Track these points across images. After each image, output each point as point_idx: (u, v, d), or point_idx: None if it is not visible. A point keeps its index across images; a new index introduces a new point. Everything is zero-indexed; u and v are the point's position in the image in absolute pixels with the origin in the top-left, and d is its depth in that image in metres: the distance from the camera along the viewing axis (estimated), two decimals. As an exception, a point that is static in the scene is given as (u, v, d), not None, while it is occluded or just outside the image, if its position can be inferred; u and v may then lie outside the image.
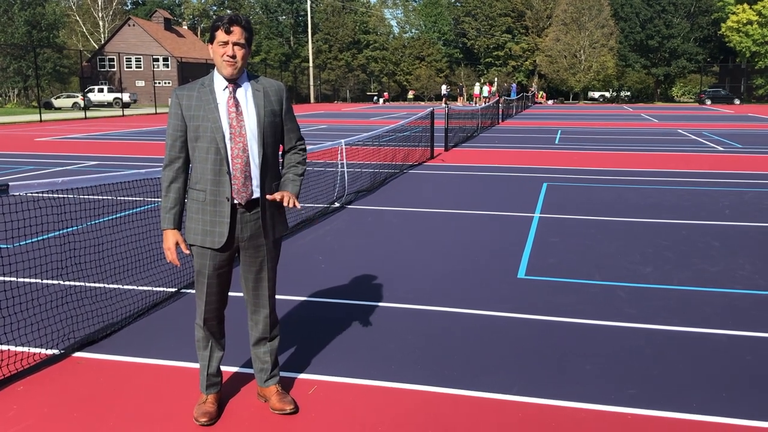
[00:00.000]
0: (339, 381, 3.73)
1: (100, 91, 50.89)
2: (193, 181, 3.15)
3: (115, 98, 49.74)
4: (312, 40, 69.11)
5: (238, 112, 3.09)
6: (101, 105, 49.88)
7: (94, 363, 3.97)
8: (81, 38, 71.61)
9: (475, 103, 47.50)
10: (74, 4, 71.46)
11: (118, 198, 9.36)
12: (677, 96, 69.79)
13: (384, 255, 6.49)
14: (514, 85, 57.79)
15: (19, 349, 4.11)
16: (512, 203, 9.25)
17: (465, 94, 59.34)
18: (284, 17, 78.82)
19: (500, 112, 29.40)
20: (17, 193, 3.73)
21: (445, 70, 73.18)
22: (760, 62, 56.77)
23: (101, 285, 5.44)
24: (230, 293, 3.43)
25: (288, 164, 3.32)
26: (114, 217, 8.20)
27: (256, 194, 3.15)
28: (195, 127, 3.09)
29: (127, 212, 8.51)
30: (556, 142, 19.20)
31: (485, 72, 70.92)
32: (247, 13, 76.32)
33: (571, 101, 65.44)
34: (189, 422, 3.27)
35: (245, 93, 3.14)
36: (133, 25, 62.06)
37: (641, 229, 7.61)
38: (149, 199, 9.25)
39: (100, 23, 71.21)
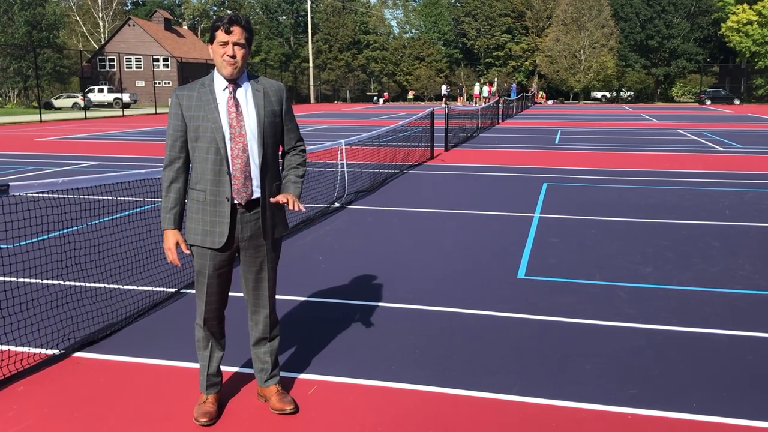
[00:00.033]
0: (339, 381, 3.73)
1: (100, 91, 50.91)
2: (193, 182, 3.16)
3: (115, 98, 49.76)
4: (312, 40, 69.12)
5: (238, 112, 3.10)
6: (101, 105, 49.89)
7: (94, 363, 3.97)
8: (81, 38, 71.62)
9: (475, 104, 47.50)
10: (74, 5, 71.48)
11: (119, 198, 9.36)
12: (677, 96, 69.79)
13: (384, 255, 6.49)
14: (514, 85, 57.80)
15: (20, 349, 4.11)
16: (512, 203, 9.25)
17: (465, 94, 59.35)
18: (284, 17, 78.83)
19: (500, 113, 29.40)
20: (17, 193, 3.73)
21: (445, 71, 73.18)
22: (760, 62, 56.78)
23: (101, 285, 5.44)
24: (230, 293, 3.43)
25: (288, 166, 3.32)
26: (114, 217, 8.20)
27: (256, 194, 3.15)
28: (195, 128, 3.09)
29: (127, 212, 8.51)
30: (556, 142, 19.20)
31: (485, 72, 70.91)
32: (247, 13, 76.33)
33: (571, 101, 65.44)
34: (189, 422, 3.27)
35: (245, 93, 3.14)
36: (133, 25, 62.07)
37: (641, 229, 7.61)
38: (149, 199, 9.25)
39: (100, 23, 71.23)
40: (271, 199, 3.17)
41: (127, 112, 41.87)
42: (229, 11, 76.57)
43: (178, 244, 3.18)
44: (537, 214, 8.46)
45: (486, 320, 4.67)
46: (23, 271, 5.67)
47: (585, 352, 4.11)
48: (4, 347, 4.13)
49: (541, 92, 64.56)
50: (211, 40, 3.08)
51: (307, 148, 6.74)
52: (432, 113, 15.48)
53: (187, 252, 3.19)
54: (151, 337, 4.36)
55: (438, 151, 15.76)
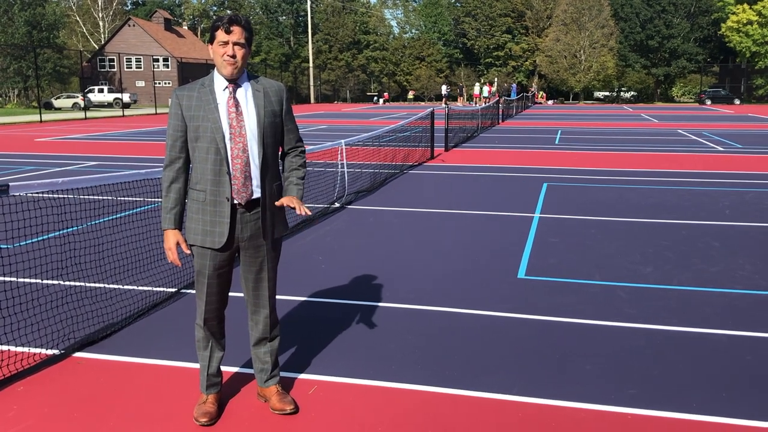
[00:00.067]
0: (339, 381, 3.73)
1: (101, 91, 50.91)
2: (194, 182, 3.16)
3: (115, 98, 49.76)
4: (312, 40, 69.12)
5: (238, 112, 3.10)
6: (101, 105, 49.89)
7: (94, 363, 3.98)
8: (81, 38, 71.63)
9: (475, 104, 47.50)
10: (74, 5, 71.48)
11: (119, 198, 9.36)
12: (677, 96, 69.80)
13: (384, 255, 6.49)
14: (514, 85, 57.80)
15: (20, 349, 4.11)
16: (512, 203, 9.25)
17: (465, 94, 59.35)
18: (284, 17, 78.84)
19: (500, 113, 29.40)
20: (17, 194, 3.73)
21: (445, 71, 73.18)
22: (760, 62, 56.78)
23: (101, 285, 5.44)
24: (230, 293, 3.43)
25: (289, 167, 3.32)
26: (114, 217, 8.20)
27: (256, 194, 3.15)
28: (195, 128, 3.09)
29: (127, 212, 8.51)
30: (556, 142, 19.20)
31: (485, 72, 70.91)
32: (247, 13, 76.34)
33: (571, 101, 65.45)
34: (189, 422, 3.27)
35: (245, 93, 3.14)
36: (133, 25, 62.07)
37: (641, 229, 7.61)
38: (149, 199, 9.26)
39: (100, 23, 71.23)
40: (277, 203, 3.18)
41: (127, 112, 41.88)
42: (229, 11, 76.58)
43: (178, 244, 3.18)
44: (537, 214, 8.46)
45: (486, 320, 4.68)
46: (23, 271, 5.68)
47: (585, 352, 4.11)
48: (4, 347, 4.13)
49: (541, 92, 64.57)
50: (211, 40, 3.09)
51: (307, 148, 6.74)
52: (432, 113, 15.48)
53: (188, 252, 3.20)
54: (151, 337, 4.36)
55: (438, 151, 15.76)
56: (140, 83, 60.59)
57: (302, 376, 3.80)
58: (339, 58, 73.58)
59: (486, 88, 51.69)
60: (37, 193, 6.86)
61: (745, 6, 56.49)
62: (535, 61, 68.14)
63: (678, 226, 7.81)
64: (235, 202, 3.12)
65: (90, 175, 9.45)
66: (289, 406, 3.35)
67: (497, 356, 4.06)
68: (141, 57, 59.76)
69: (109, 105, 49.94)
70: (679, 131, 23.40)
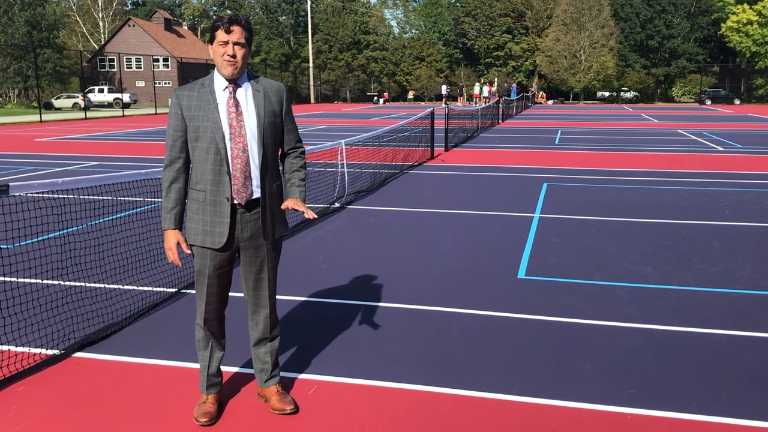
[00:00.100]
0: (339, 381, 3.74)
1: (101, 91, 50.91)
2: (194, 182, 3.16)
3: (116, 99, 49.77)
4: (312, 40, 69.12)
5: (238, 112, 3.10)
6: (101, 105, 49.90)
7: (94, 363, 3.98)
8: (81, 39, 71.63)
9: (475, 104, 47.50)
10: (74, 5, 71.48)
11: (119, 198, 9.36)
12: (677, 96, 69.80)
13: (384, 255, 6.49)
14: (514, 85, 57.80)
15: (20, 349, 4.11)
16: (512, 203, 9.25)
17: (465, 94, 59.35)
18: (284, 17, 78.84)
19: (500, 113, 29.40)
20: (17, 194, 3.73)
21: (445, 71, 73.19)
22: (760, 62, 56.78)
23: (101, 285, 5.44)
24: (230, 293, 3.43)
25: (290, 169, 3.32)
26: (114, 217, 8.20)
27: (256, 194, 3.15)
28: (195, 128, 3.09)
29: (127, 212, 8.51)
30: (556, 142, 19.20)
31: (485, 72, 70.92)
32: (247, 13, 76.34)
33: (571, 101, 65.44)
34: (189, 422, 3.27)
35: (245, 93, 3.14)
36: (134, 25, 62.08)
37: (641, 229, 7.61)
38: (149, 199, 9.26)
39: (100, 24, 71.23)
40: (282, 206, 3.19)
41: (127, 112, 41.88)
42: (229, 11, 76.59)
43: (179, 244, 3.18)
44: (537, 214, 8.46)
45: (485, 320, 4.68)
46: (23, 271, 5.68)
47: (584, 352, 4.11)
48: (4, 347, 4.13)
49: (541, 92, 64.57)
50: (211, 40, 3.09)
51: (307, 148, 6.74)
52: (432, 113, 15.48)
53: (188, 252, 3.20)
54: (151, 337, 4.37)
55: (438, 151, 15.76)
56: (140, 83, 60.59)
57: (302, 376, 3.81)
58: (339, 58, 73.58)
59: (486, 88, 51.69)
60: (37, 193, 6.86)
61: (745, 6, 56.49)
62: (535, 61, 68.14)
63: (678, 226, 7.81)
64: (235, 202, 3.12)
65: (90, 175, 9.45)
66: (289, 406, 3.35)
67: (497, 356, 4.06)
68: (141, 57, 59.77)
69: (109, 105, 49.95)
70: (679, 131, 23.40)
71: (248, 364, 3.93)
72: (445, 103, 46.45)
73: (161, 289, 5.33)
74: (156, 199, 9.21)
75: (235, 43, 3.04)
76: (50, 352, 4.07)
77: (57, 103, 46.55)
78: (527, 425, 3.26)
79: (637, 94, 66.61)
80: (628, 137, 20.77)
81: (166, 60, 60.86)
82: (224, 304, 3.34)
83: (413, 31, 77.60)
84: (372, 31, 76.07)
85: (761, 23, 55.57)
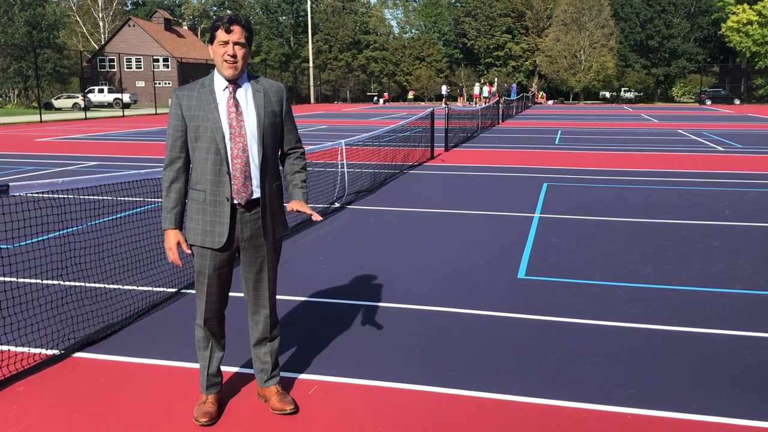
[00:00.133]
0: (339, 381, 3.73)
1: (101, 91, 50.92)
2: (193, 182, 3.16)
3: (116, 99, 49.77)
4: (312, 40, 69.12)
5: (238, 112, 3.10)
6: (101, 105, 49.90)
7: (94, 363, 3.98)
8: (81, 39, 71.63)
9: (475, 104, 47.50)
10: (74, 5, 71.48)
11: (119, 198, 9.36)
12: (677, 96, 69.80)
13: (384, 255, 6.49)
14: (514, 85, 57.79)
15: (20, 349, 4.11)
16: (512, 203, 9.25)
17: (465, 94, 59.34)
18: (284, 17, 78.85)
19: (500, 113, 29.40)
20: (17, 194, 3.73)
21: (445, 71, 73.19)
22: (760, 62, 56.78)
23: (101, 285, 5.44)
24: (230, 293, 3.43)
25: (292, 170, 3.33)
26: (114, 217, 8.20)
27: (256, 194, 3.15)
28: (195, 128, 3.09)
29: (127, 212, 8.51)
30: (556, 142, 19.20)
31: (485, 72, 70.92)
32: (247, 13, 76.35)
33: (571, 101, 65.45)
34: (189, 422, 3.27)
35: (245, 93, 3.14)
36: (134, 25, 62.08)
37: (641, 229, 7.61)
38: (149, 199, 9.26)
39: (101, 24, 71.24)
40: (288, 208, 3.21)
41: (127, 112, 41.88)
42: (229, 11, 76.59)
43: (179, 243, 3.18)
44: (537, 214, 8.46)
45: (486, 320, 4.68)
46: (23, 271, 5.68)
47: (584, 352, 4.11)
48: (4, 347, 4.13)
49: (541, 92, 64.57)
50: (211, 40, 3.09)
51: (307, 148, 6.74)
52: (432, 113, 15.48)
53: (188, 252, 3.20)
54: (151, 338, 4.37)
55: (438, 151, 15.76)
56: (140, 83, 60.60)
57: (302, 376, 3.81)
58: (339, 58, 73.58)
59: (486, 88, 51.69)
60: (37, 193, 6.87)
61: (745, 6, 56.50)
62: (535, 61, 68.14)
63: (678, 226, 7.81)
64: (235, 202, 3.12)
65: (90, 175, 9.45)
66: (289, 406, 3.35)
67: (497, 356, 4.06)
68: (141, 57, 59.77)
69: (109, 105, 49.95)
70: (679, 131, 23.40)
71: (248, 364, 3.93)
72: (445, 103, 46.45)
73: (161, 289, 5.33)
74: (156, 199, 9.22)
75: (235, 43, 3.04)
76: (50, 352, 4.07)
77: (57, 103, 46.56)
78: (527, 425, 3.26)
79: (641, 94, 66.57)
80: (628, 137, 20.77)
81: (166, 60, 60.87)
82: (224, 304, 3.34)
83: (413, 31, 77.64)
84: (372, 31, 76.08)
85: (761, 23, 55.57)
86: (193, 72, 60.43)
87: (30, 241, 6.74)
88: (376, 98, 65.13)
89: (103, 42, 66.33)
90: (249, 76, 3.19)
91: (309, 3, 68.88)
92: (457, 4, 75.35)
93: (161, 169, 3.49)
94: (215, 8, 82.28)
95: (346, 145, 9.67)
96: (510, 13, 69.09)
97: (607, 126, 26.65)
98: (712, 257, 6.37)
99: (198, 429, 3.22)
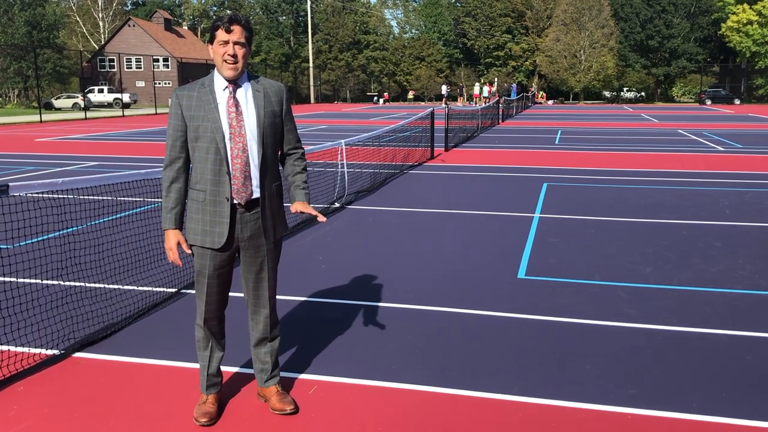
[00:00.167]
0: (339, 381, 3.73)
1: (100, 91, 50.91)
2: (193, 181, 3.16)
3: (116, 99, 49.77)
4: (312, 40, 69.12)
5: (237, 112, 3.10)
6: (101, 105, 49.90)
7: (94, 363, 3.98)
8: (81, 39, 71.64)
9: (475, 104, 47.50)
10: (74, 5, 71.48)
11: (119, 198, 9.36)
12: (677, 96, 69.81)
13: (384, 255, 6.49)
14: (514, 85, 57.80)
15: (20, 349, 4.11)
16: (512, 203, 9.25)
17: (465, 94, 59.34)
18: (284, 17, 78.84)
19: (500, 113, 29.40)
20: (17, 194, 3.73)
21: (445, 71, 73.19)
22: (760, 62, 56.78)
23: (101, 285, 5.44)
24: (230, 293, 3.43)
25: (293, 172, 3.33)
26: (114, 217, 8.20)
27: (256, 194, 3.15)
28: (195, 127, 3.09)
29: (127, 213, 8.51)
30: (556, 142, 19.20)
31: (485, 72, 70.92)
32: (247, 13, 76.34)
33: (571, 101, 65.45)
34: (189, 422, 3.27)
35: (245, 93, 3.14)
36: (133, 25, 62.08)
37: (641, 229, 7.61)
38: (149, 199, 9.26)
39: (100, 24, 71.24)
40: (293, 210, 3.21)
41: (127, 112, 41.88)
42: (229, 11, 76.58)
43: (179, 243, 3.18)
44: (537, 214, 8.46)
45: (486, 320, 4.68)
46: (23, 271, 5.68)
47: (585, 352, 4.11)
48: (4, 347, 4.13)
49: (541, 92, 64.57)
50: (211, 40, 3.09)
51: (307, 148, 6.74)
52: (432, 113, 15.48)
53: (188, 252, 3.20)
54: (151, 337, 4.36)
55: (438, 151, 15.76)
56: (140, 83, 60.59)
57: (302, 376, 3.81)
58: (339, 58, 73.58)
59: (486, 88, 51.69)
60: (37, 193, 6.87)
61: (745, 6, 56.49)
62: (535, 61, 68.14)
63: (678, 226, 7.81)
64: (235, 202, 3.12)
65: (90, 175, 9.45)
66: (289, 406, 3.35)
67: (497, 356, 4.06)
68: (141, 57, 59.77)
69: (109, 105, 49.95)
70: (680, 131, 23.40)
71: (248, 364, 3.93)
72: (445, 103, 46.45)
73: (161, 289, 5.33)
74: (156, 199, 9.21)
75: (235, 43, 3.04)
76: (50, 352, 4.07)
77: (57, 103, 46.56)
78: (527, 425, 3.26)
79: (643, 94, 66.52)
80: (628, 137, 20.77)
81: (166, 60, 60.86)
82: (224, 304, 3.34)
83: (413, 31, 77.63)
84: (372, 31, 76.07)
85: (761, 23, 55.57)
86: (193, 72, 60.43)
87: (30, 241, 6.74)
88: (376, 98, 65.13)
89: (103, 42, 66.33)
90: (249, 76, 3.19)
91: (309, 3, 68.88)
92: (457, 4, 75.34)
93: (161, 169, 3.49)
94: (215, 8, 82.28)
95: (346, 145, 9.67)
96: (510, 13, 69.08)
97: (607, 126, 26.65)
98: (712, 257, 6.37)
99: (198, 429, 3.22)
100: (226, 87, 3.11)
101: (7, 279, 5.34)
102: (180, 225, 3.20)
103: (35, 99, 51.10)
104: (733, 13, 57.28)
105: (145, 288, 5.37)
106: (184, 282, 5.56)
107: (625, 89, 67.72)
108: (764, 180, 11.43)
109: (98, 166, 13.70)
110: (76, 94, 48.33)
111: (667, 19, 62.22)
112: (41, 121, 31.58)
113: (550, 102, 62.88)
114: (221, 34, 3.03)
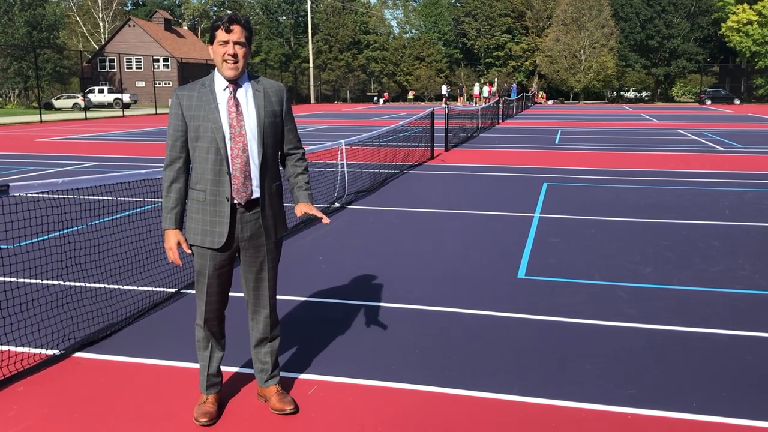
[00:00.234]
0: (339, 381, 3.73)
1: (101, 91, 50.92)
2: (194, 181, 3.16)
3: (116, 99, 49.78)
4: (312, 40, 69.12)
5: (238, 112, 3.10)
6: (101, 106, 49.90)
7: (94, 363, 3.98)
8: (81, 39, 71.63)
9: (475, 104, 47.50)
10: (74, 5, 71.49)
11: (119, 198, 9.36)
12: (677, 96, 69.81)
13: (384, 255, 6.49)
14: (514, 85, 57.80)
15: (20, 349, 4.11)
16: (512, 203, 9.25)
17: (465, 94, 59.34)
18: (284, 18, 78.85)
19: (500, 113, 29.40)
20: (18, 194, 3.73)
21: (446, 71, 73.19)
22: (760, 62, 56.78)
23: (101, 285, 5.44)
24: (230, 293, 3.43)
25: (294, 173, 3.33)
26: (114, 217, 8.20)
27: (256, 194, 3.15)
28: (195, 127, 3.09)
29: (127, 213, 8.51)
30: (556, 142, 19.20)
31: (485, 72, 70.93)
32: (247, 13, 76.35)
33: (571, 101, 65.45)
34: (189, 422, 3.27)
35: (245, 93, 3.14)
36: (134, 25, 62.08)
37: (641, 229, 7.61)
38: (149, 199, 9.26)
39: (101, 24, 71.24)
40: (297, 213, 3.23)
41: (127, 112, 41.88)
42: (229, 11, 76.57)
43: (179, 243, 3.18)
44: (537, 214, 8.46)
45: (486, 320, 4.68)
46: (23, 272, 5.68)
47: (585, 352, 4.11)
48: (4, 347, 4.13)
49: (541, 92, 64.58)
50: (211, 40, 3.09)
51: (307, 148, 6.74)
52: (432, 113, 15.48)
53: (189, 252, 3.20)
54: (151, 337, 4.36)
55: (438, 151, 15.76)
56: (140, 83, 60.60)
57: (302, 376, 3.80)
58: (339, 58, 73.58)
59: (486, 88, 51.69)
60: (37, 193, 6.87)
61: (745, 6, 56.49)
62: (535, 61, 68.15)
63: (678, 226, 7.81)
64: (235, 201, 3.12)
65: (90, 175, 9.45)
66: (289, 406, 3.35)
67: (497, 356, 4.06)
68: (141, 57, 59.78)
69: (110, 105, 49.95)
70: (680, 131, 23.40)
71: (248, 364, 3.93)
72: (445, 103, 46.45)
73: (161, 289, 5.33)
74: (156, 199, 9.21)
75: (235, 43, 3.04)
76: (50, 352, 4.07)
77: (57, 103, 46.56)
78: (527, 425, 3.26)
79: (647, 94, 66.47)
80: (628, 137, 20.77)
81: (166, 60, 60.87)
82: (224, 304, 3.34)
83: (413, 31, 77.63)
84: (372, 31, 76.08)
85: (761, 23, 55.57)
86: (193, 72, 60.43)
87: (30, 241, 6.74)
88: (376, 98, 65.13)
89: (103, 42, 66.34)
90: (249, 76, 3.19)
91: (309, 3, 68.88)
92: (457, 4, 75.35)
93: (161, 169, 3.49)
94: (215, 8, 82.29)
95: (346, 145, 9.67)
96: (510, 13, 69.09)
97: (607, 126, 26.65)
98: (712, 257, 6.37)
99: (198, 429, 3.22)
100: (227, 87, 3.11)
101: (7, 279, 5.34)
102: (180, 225, 3.20)
103: (35, 99, 51.12)
104: (733, 13, 57.28)
105: (145, 288, 5.37)
106: (184, 282, 5.56)
107: (631, 90, 67.70)
108: (764, 180, 11.43)
109: (98, 166, 13.70)
110: (76, 95, 48.33)
111: (667, 19, 62.23)
112: (41, 122, 31.58)
113: (550, 102, 62.88)
114: (221, 34, 3.03)
